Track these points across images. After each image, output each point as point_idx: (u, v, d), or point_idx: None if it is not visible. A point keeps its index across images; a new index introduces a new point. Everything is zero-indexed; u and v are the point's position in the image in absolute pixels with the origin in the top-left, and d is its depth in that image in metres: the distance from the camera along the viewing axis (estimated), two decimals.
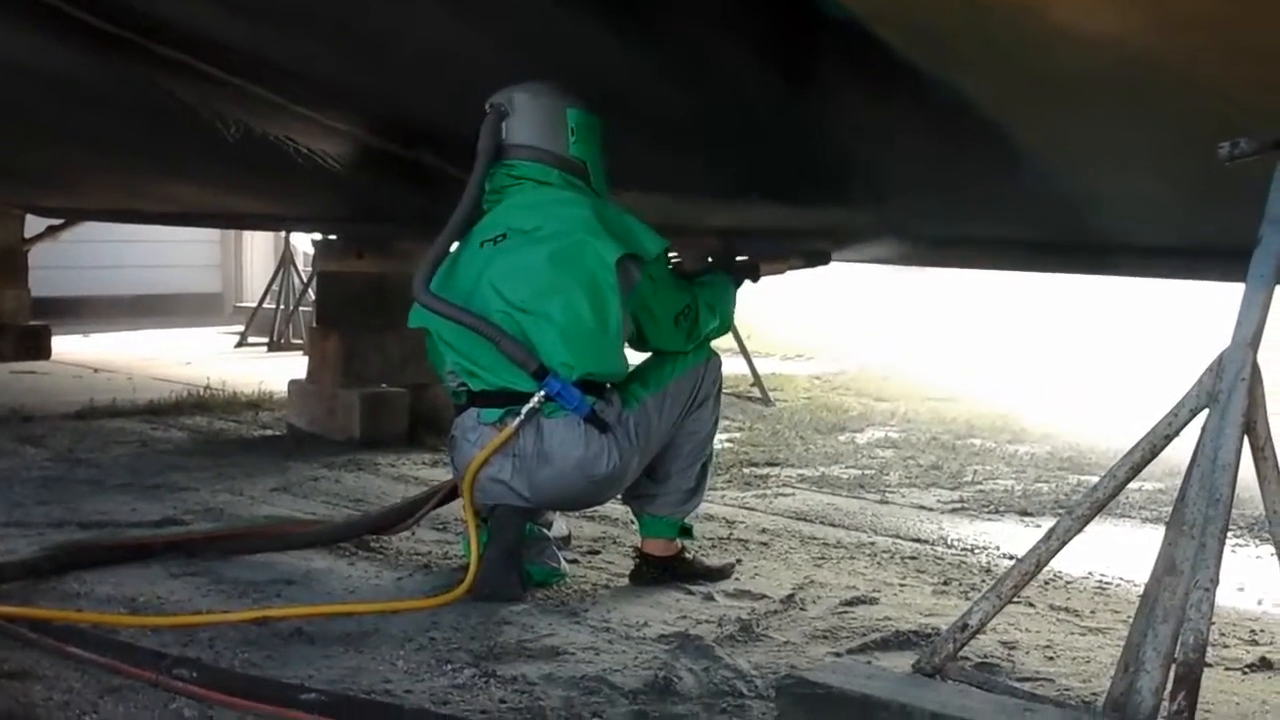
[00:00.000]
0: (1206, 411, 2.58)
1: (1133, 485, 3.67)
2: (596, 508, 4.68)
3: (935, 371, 9.41)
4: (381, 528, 4.37)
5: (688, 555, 4.17)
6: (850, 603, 3.93)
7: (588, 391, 3.81)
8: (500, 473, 3.85)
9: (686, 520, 4.18)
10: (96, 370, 9.14)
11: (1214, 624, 2.52)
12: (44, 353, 9.60)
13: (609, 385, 3.91)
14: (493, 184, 3.98)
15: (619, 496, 4.20)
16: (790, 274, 4.58)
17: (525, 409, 3.79)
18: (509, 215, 3.94)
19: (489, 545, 3.89)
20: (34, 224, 9.85)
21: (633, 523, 4.32)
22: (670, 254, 4.12)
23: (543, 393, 3.77)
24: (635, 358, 4.12)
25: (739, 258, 4.41)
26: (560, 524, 4.37)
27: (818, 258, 4.59)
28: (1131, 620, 2.59)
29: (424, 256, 3.93)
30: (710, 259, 4.44)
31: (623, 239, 3.85)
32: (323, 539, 4.37)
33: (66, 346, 10.01)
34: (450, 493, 4.19)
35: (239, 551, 4.27)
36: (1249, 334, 2.59)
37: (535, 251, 3.84)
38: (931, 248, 4.88)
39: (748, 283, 4.42)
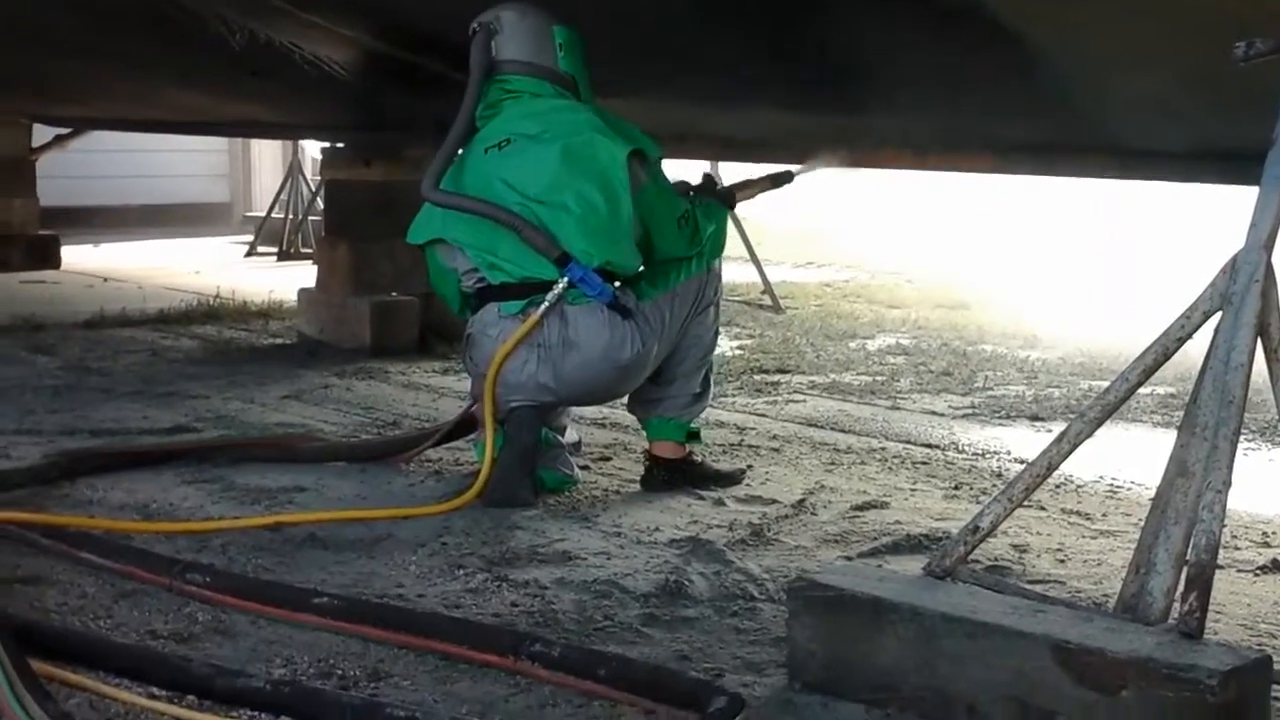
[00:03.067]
0: (1220, 314, 2.57)
1: (1145, 390, 3.66)
2: (607, 414, 4.70)
3: (948, 278, 9.38)
4: (385, 455, 4.36)
5: (697, 459, 4.18)
6: (861, 507, 3.94)
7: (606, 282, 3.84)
8: (526, 365, 3.86)
9: (694, 424, 4.18)
10: (106, 279, 9.14)
11: (1225, 526, 2.52)
12: (54, 262, 9.60)
13: (619, 284, 3.93)
14: (487, 100, 4.02)
15: (625, 405, 4.21)
16: (760, 197, 4.61)
17: (550, 295, 3.81)
18: (510, 123, 3.97)
19: (503, 450, 3.89)
20: (42, 133, 9.81)
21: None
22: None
23: (566, 279, 3.78)
24: None
25: (718, 187, 4.45)
26: (572, 431, 4.37)
27: (782, 179, 4.61)
28: (1143, 523, 2.58)
29: (429, 163, 3.95)
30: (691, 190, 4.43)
31: (628, 138, 3.92)
32: (325, 457, 4.37)
33: (76, 256, 10.01)
34: (457, 428, 4.21)
35: (245, 460, 4.28)
36: (1263, 236, 2.56)
37: (546, 150, 3.87)
38: (941, 153, 4.84)
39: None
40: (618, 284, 3.93)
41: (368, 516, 3.72)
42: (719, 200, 4.37)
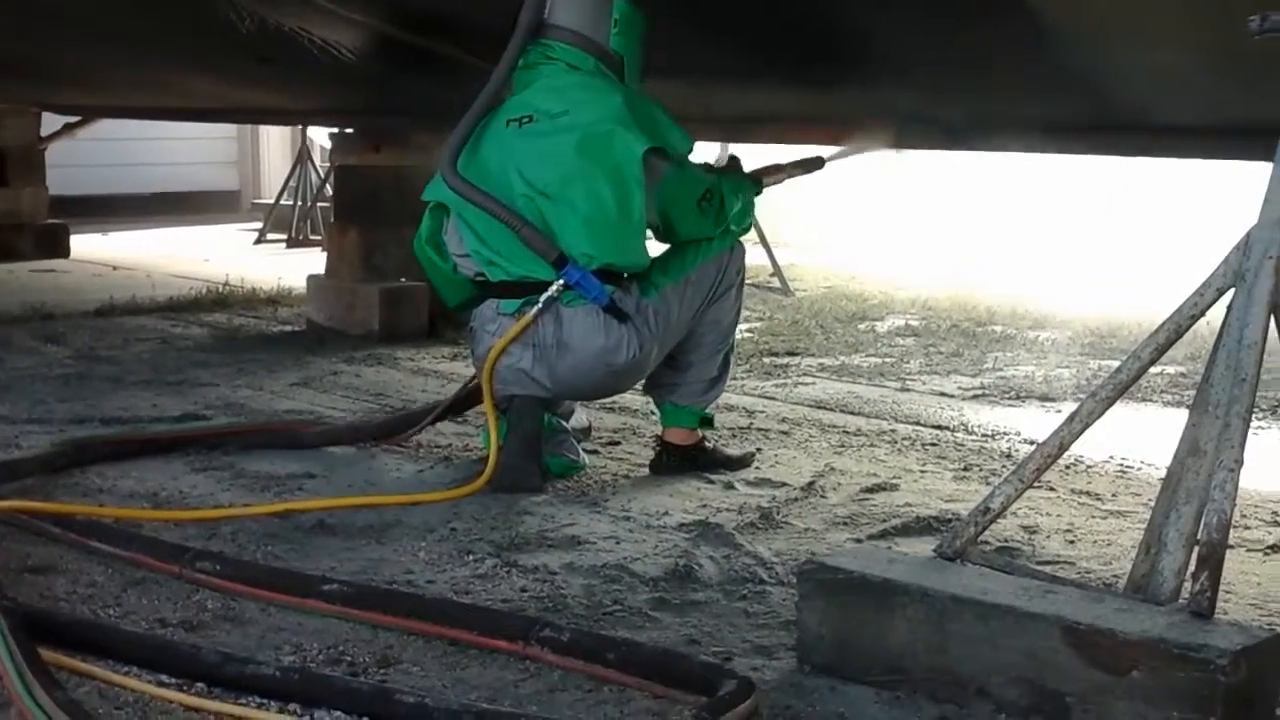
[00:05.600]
0: (1233, 291, 2.55)
1: (1157, 369, 3.66)
2: (616, 398, 4.69)
3: (956, 259, 9.35)
4: (388, 434, 4.35)
5: (708, 445, 4.16)
6: (870, 489, 3.93)
7: (606, 281, 3.78)
8: (520, 362, 3.84)
9: (708, 410, 4.16)
10: (115, 268, 9.14)
11: (1236, 505, 2.50)
12: (63, 251, 9.58)
13: (627, 275, 3.89)
14: (526, 60, 3.92)
15: (639, 386, 4.19)
16: (789, 181, 4.53)
17: (544, 297, 3.77)
18: (537, 97, 3.88)
19: (508, 437, 3.88)
20: (51, 122, 9.79)
21: (653, 413, 4.32)
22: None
23: (561, 281, 3.75)
24: (657, 248, 4.10)
25: (742, 170, 4.36)
26: (580, 415, 4.36)
27: (813, 164, 4.55)
28: (1153, 503, 2.57)
29: (452, 132, 3.87)
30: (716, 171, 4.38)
31: (651, 132, 3.82)
32: (329, 440, 4.36)
33: (85, 245, 9.99)
34: (458, 403, 4.19)
35: (250, 447, 4.26)
36: (1277, 212, 2.55)
37: (563, 138, 3.80)
38: (952, 131, 4.82)
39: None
40: (626, 276, 3.88)
41: (377, 503, 3.72)
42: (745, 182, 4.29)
